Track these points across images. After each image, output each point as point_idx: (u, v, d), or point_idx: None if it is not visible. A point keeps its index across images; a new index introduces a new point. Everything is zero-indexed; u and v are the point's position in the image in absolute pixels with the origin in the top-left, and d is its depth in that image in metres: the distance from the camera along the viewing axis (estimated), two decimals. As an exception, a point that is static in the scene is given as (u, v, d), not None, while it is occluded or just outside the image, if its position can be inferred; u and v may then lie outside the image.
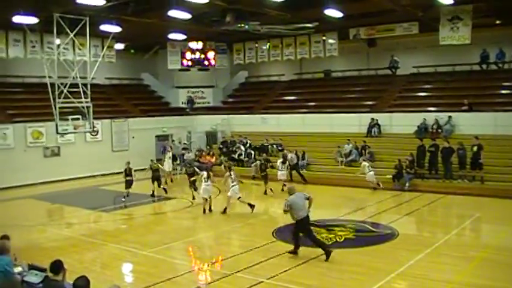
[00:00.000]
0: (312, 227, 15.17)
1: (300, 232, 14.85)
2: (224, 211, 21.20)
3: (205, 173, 21.79)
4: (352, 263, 14.31)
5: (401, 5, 26.18)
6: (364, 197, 25.00)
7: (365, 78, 37.23)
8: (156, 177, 26.12)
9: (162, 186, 26.17)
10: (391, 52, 34.66)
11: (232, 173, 21.54)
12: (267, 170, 27.32)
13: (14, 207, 24.29)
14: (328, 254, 14.38)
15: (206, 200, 21.48)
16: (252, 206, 21.30)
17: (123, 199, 24.06)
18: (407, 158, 26.40)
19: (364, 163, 26.73)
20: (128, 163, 25.13)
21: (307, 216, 14.71)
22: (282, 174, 27.17)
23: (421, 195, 24.36)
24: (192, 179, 24.53)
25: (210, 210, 21.64)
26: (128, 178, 24.76)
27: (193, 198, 24.39)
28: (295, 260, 14.44)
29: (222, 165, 26.28)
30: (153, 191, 25.98)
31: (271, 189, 26.09)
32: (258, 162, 29.65)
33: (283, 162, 27.49)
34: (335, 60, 37.23)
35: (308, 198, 14.82)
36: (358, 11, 28.76)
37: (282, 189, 25.99)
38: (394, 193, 25.28)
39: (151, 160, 27.08)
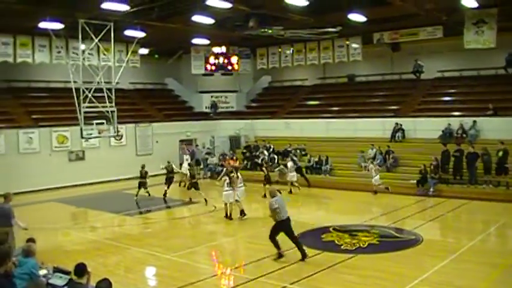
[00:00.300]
0: (334, 232, 15.16)
1: (280, 232, 15.25)
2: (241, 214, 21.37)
3: (227, 178, 21.62)
4: (376, 268, 14.24)
5: (425, 9, 25.99)
6: (388, 202, 24.85)
7: (389, 83, 37.03)
8: (169, 179, 26.63)
9: (146, 191, 26.36)
10: (415, 56, 34.39)
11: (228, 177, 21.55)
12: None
13: (39, 211, 24.50)
14: (303, 256, 14.90)
15: (226, 204, 21.55)
16: (242, 213, 21.48)
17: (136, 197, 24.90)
18: (431, 163, 26.22)
19: (371, 165, 26.74)
20: (143, 166, 26.06)
21: (288, 218, 15.28)
22: (292, 175, 27.69)
23: (446, 201, 24.16)
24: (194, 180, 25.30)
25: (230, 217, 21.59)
26: (142, 180, 25.98)
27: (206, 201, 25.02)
28: (318, 265, 14.41)
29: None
30: (166, 192, 26.43)
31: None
32: (281, 166, 29.72)
33: (295, 164, 28.18)
34: (359, 65, 37.08)
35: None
36: (381, 16, 28.61)
37: (290, 191, 27.05)
38: (418, 198, 25.11)
39: (168, 161, 27.45)
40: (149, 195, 26.22)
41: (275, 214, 15.18)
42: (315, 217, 22.17)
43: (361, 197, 26.42)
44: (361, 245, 16.45)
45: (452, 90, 33.35)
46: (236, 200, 21.40)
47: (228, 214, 21.40)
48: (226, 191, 21.34)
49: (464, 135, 28.58)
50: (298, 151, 33.15)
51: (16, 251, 10.56)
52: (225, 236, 19.37)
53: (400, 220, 20.74)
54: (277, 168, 30.49)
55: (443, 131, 29.21)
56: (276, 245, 15.25)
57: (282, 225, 15.23)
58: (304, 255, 14.93)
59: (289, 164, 28.15)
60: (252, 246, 17.31)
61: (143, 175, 26.23)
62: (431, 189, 25.65)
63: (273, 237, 15.30)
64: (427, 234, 18.07)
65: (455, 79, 33.49)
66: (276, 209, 15.10)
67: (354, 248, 16.05)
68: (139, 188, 26.10)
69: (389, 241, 17.23)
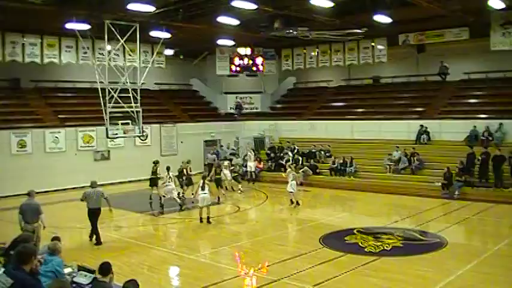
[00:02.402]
0: (358, 234, 15.12)
1: None
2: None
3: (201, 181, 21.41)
4: (400, 271, 14.18)
5: (451, 10, 25.81)
6: (412, 204, 24.71)
7: (414, 85, 36.78)
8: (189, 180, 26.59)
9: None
10: (440, 58, 34.11)
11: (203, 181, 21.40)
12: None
13: (65, 209, 24.70)
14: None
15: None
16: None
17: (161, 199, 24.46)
18: (457, 165, 26.01)
19: (289, 169, 26.26)
20: (156, 162, 25.90)
21: None
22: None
23: (471, 204, 23.95)
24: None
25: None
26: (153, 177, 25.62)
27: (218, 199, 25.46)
28: (342, 268, 14.39)
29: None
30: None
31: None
32: (305, 168, 29.76)
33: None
34: (384, 66, 36.89)
35: None
36: (407, 17, 28.46)
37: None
38: (443, 201, 24.94)
39: (186, 161, 27.44)
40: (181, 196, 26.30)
41: None
42: (339, 219, 22.09)
43: (385, 199, 26.31)
44: (385, 248, 16.37)
45: (478, 93, 33.08)
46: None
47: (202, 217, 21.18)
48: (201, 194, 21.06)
49: (490, 138, 28.31)
50: (322, 152, 33.10)
51: (42, 249, 10.69)
52: (249, 237, 19.39)
53: (425, 223, 20.64)
54: (302, 170, 30.48)
55: (468, 134, 28.93)
56: None
57: None
58: None
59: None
60: (276, 248, 17.31)
61: (155, 172, 25.65)
62: (457, 192, 25.43)
63: None
64: (452, 237, 17.94)
65: (481, 81, 33.10)
66: None
67: (378, 251, 15.99)
68: (151, 186, 25.74)
69: (413, 244, 17.13)
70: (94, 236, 17.88)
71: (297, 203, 23.91)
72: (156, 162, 25.78)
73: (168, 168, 24.40)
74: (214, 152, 34.21)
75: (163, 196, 23.83)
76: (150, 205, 24.71)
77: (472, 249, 17.13)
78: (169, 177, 24.09)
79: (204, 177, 21.51)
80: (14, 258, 7.89)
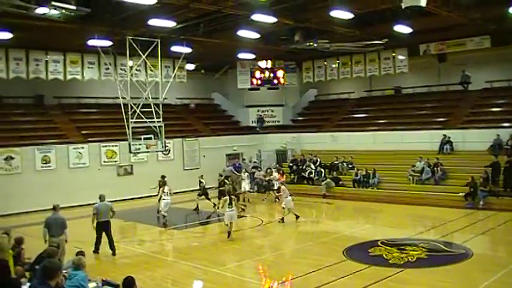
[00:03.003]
0: (382, 246, 15.03)
1: None
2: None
3: (227, 198, 20.79)
4: (425, 283, 14.04)
5: (471, 18, 25.68)
6: (436, 215, 24.48)
7: (436, 95, 36.55)
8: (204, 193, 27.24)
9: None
10: (462, 67, 33.96)
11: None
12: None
13: (88, 224, 24.70)
14: None
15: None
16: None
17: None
18: (481, 175, 25.77)
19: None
20: (200, 176, 26.71)
21: None
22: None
23: (496, 214, 23.69)
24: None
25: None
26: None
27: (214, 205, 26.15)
28: (366, 280, 14.27)
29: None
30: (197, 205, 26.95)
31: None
32: (328, 180, 29.71)
33: None
34: (405, 77, 36.80)
35: None
36: (427, 26, 28.36)
37: None
38: (468, 211, 24.69)
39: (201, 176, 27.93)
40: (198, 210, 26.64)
41: None
42: (362, 231, 21.94)
43: (409, 210, 26.14)
44: (410, 259, 16.23)
45: (501, 101, 32.74)
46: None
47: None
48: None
49: (514, 147, 28.03)
50: (344, 164, 33.02)
51: (66, 263, 10.78)
52: (272, 250, 19.35)
53: (449, 234, 20.42)
54: (324, 182, 30.44)
55: (492, 144, 28.65)
56: None
57: None
58: None
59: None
60: (300, 261, 17.26)
61: (161, 186, 25.74)
62: (481, 202, 25.18)
63: None
64: (477, 248, 17.75)
65: (504, 89, 32.81)
66: None
67: (402, 263, 15.85)
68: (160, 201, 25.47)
69: (438, 255, 16.96)
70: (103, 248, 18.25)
71: (297, 216, 23.54)
72: (163, 177, 26.38)
73: (164, 183, 25.51)
74: (231, 165, 34.26)
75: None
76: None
77: (497, 260, 16.92)
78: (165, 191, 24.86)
79: (229, 193, 21.47)
80: (39, 273, 7.96)
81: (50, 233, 15.56)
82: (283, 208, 23.23)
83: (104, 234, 18.29)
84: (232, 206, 20.36)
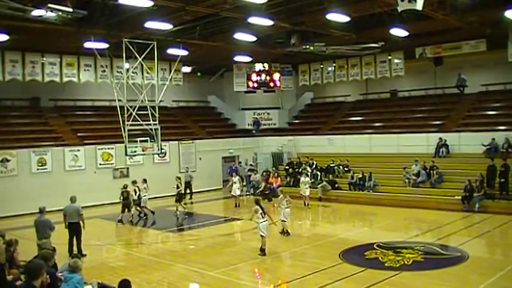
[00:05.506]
0: (378, 249, 15.02)
1: None
2: None
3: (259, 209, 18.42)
4: (421, 286, 14.04)
5: (467, 22, 25.74)
6: (432, 218, 24.50)
7: (432, 98, 36.66)
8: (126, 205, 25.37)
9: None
10: (458, 70, 34.05)
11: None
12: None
13: (85, 227, 24.83)
14: None
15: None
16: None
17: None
18: (477, 178, 25.80)
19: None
20: (125, 186, 25.56)
21: None
22: (308, 190, 28.54)
23: (492, 217, 23.74)
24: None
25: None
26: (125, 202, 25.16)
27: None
28: (362, 283, 14.26)
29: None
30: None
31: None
32: (324, 183, 29.73)
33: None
34: (401, 80, 36.87)
35: None
36: (423, 30, 28.49)
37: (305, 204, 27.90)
38: (464, 214, 24.72)
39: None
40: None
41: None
42: (358, 234, 21.99)
43: (405, 213, 26.12)
44: (406, 262, 16.23)
45: (497, 104, 32.78)
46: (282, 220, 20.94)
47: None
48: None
49: (510, 150, 28.04)
50: (340, 167, 33.03)
51: (62, 266, 10.76)
52: (269, 253, 19.28)
53: (445, 237, 20.48)
54: (320, 185, 30.43)
55: (488, 146, 28.66)
56: None
57: None
58: None
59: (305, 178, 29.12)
60: (296, 264, 17.26)
61: (125, 197, 24.97)
62: (477, 205, 25.19)
63: None
64: (473, 251, 17.76)
65: (500, 93, 32.91)
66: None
67: (398, 266, 15.85)
68: (122, 211, 25.06)
69: (434, 258, 16.99)
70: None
71: (287, 232, 21.14)
72: (125, 187, 25.44)
73: (144, 181, 26.41)
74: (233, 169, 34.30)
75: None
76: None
77: (493, 262, 16.98)
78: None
79: (258, 202, 18.76)
80: (25, 274, 8.06)
81: (37, 236, 16.08)
82: (283, 221, 20.98)
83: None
84: (265, 216, 18.33)
